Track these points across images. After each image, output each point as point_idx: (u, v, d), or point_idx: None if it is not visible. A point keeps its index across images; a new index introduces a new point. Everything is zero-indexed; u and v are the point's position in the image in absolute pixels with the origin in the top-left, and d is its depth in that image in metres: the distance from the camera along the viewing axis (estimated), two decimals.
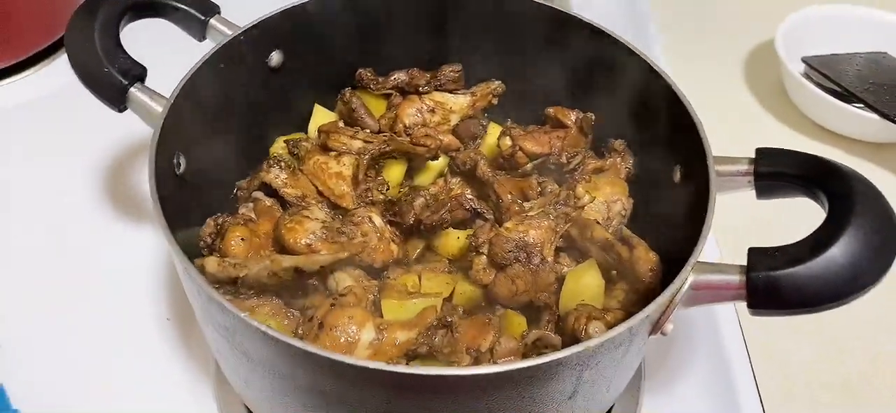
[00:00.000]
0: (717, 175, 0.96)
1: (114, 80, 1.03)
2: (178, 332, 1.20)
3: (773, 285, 0.82)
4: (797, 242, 0.84)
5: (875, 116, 1.45)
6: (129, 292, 1.24)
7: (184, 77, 1.06)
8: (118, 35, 1.07)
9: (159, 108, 1.02)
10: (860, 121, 1.48)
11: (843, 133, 1.54)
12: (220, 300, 0.81)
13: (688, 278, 0.86)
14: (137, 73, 1.04)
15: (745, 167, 0.97)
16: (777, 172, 0.95)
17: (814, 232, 0.84)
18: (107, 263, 1.28)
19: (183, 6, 1.13)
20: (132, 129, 1.37)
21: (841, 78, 1.53)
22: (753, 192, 0.99)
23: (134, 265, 1.28)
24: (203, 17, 1.14)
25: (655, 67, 1.11)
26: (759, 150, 0.97)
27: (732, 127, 1.54)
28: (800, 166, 0.93)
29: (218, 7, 1.16)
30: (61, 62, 1.61)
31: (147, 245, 1.30)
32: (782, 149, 0.97)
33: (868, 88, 1.49)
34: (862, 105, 1.50)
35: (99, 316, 1.21)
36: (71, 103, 1.50)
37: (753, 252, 0.85)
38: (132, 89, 1.03)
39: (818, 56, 1.60)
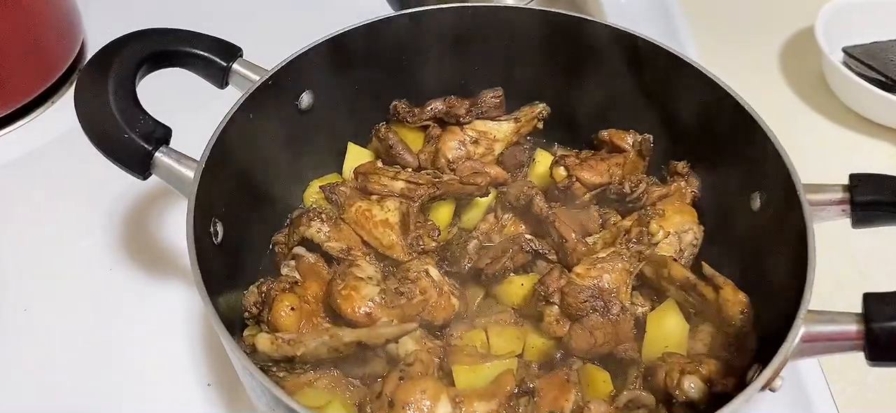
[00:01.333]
0: (810, 205, 0.89)
1: (136, 147, 0.92)
2: (221, 397, 1.10)
3: None
4: None
5: None
6: (163, 360, 1.14)
7: (213, 134, 0.96)
8: (135, 92, 0.96)
9: (190, 174, 0.92)
10: None
11: (890, 125, 1.47)
12: (291, 404, 0.72)
13: (799, 331, 0.79)
14: (161, 136, 0.94)
15: (839, 195, 0.90)
16: (879, 201, 0.87)
17: None
18: (135, 329, 1.18)
19: (204, 52, 1.03)
20: None
21: (887, 68, 1.46)
22: (847, 221, 0.91)
23: (165, 328, 1.17)
24: (225, 63, 1.04)
25: (722, 85, 1.03)
26: (853, 177, 0.90)
27: (771, 121, 1.47)
28: None
29: (240, 49, 1.06)
30: (57, 109, 1.50)
31: (177, 304, 1.20)
32: (881, 174, 0.89)
33: None
34: None
35: (134, 387, 1.11)
36: (73, 152, 1.40)
37: (871, 298, 0.77)
38: (157, 154, 0.93)
39: (860, 45, 1.53)
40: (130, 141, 0.92)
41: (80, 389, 1.11)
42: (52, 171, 1.40)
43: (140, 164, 0.93)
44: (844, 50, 1.54)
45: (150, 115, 0.95)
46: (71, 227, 1.30)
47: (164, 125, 0.95)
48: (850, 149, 1.50)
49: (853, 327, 0.77)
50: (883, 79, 1.47)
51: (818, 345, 0.80)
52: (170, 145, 0.95)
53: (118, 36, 1.01)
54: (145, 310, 1.20)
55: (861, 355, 0.78)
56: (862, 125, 1.51)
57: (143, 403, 1.10)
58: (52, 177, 1.39)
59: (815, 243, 0.85)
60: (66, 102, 1.50)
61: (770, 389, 0.82)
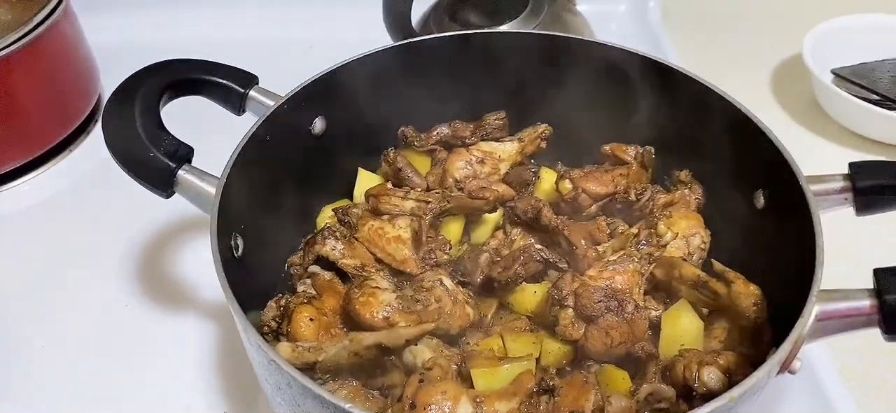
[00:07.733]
0: (814, 195, 0.91)
1: (160, 164, 0.96)
2: None
3: None
4: None
5: None
6: (179, 391, 1.14)
7: (233, 153, 0.99)
8: (159, 116, 1.00)
9: (211, 190, 0.95)
10: None
11: (884, 140, 1.51)
12: (336, 401, 0.73)
13: (813, 310, 0.80)
14: (184, 154, 0.97)
15: (841, 184, 0.93)
16: (880, 186, 0.90)
17: None
18: (151, 361, 1.19)
19: (223, 80, 1.07)
20: (156, 213, 1.31)
21: (876, 85, 1.52)
22: (851, 210, 0.94)
23: (180, 360, 1.18)
24: (242, 90, 1.08)
25: (715, 89, 1.07)
26: (852, 165, 0.93)
27: None
28: None
29: (256, 77, 1.10)
30: (76, 155, 1.55)
31: (191, 335, 1.21)
32: (879, 160, 0.93)
33: None
34: None
35: None
36: (90, 196, 1.45)
37: (882, 273, 0.80)
38: (180, 172, 0.96)
39: (847, 67, 1.59)
40: (155, 159, 0.95)
41: None
42: (68, 216, 1.43)
43: (164, 182, 0.96)
44: (833, 71, 1.59)
45: (173, 136, 0.98)
46: (87, 267, 1.33)
47: (186, 145, 0.98)
48: (845, 166, 1.53)
49: (867, 302, 0.79)
50: (873, 97, 1.52)
51: (833, 323, 0.81)
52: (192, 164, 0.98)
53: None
54: (160, 343, 1.22)
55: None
56: (856, 142, 1.55)
57: None
58: (68, 221, 1.42)
59: (821, 227, 0.87)
60: (82, 152, 1.56)
61: (790, 372, 0.83)
